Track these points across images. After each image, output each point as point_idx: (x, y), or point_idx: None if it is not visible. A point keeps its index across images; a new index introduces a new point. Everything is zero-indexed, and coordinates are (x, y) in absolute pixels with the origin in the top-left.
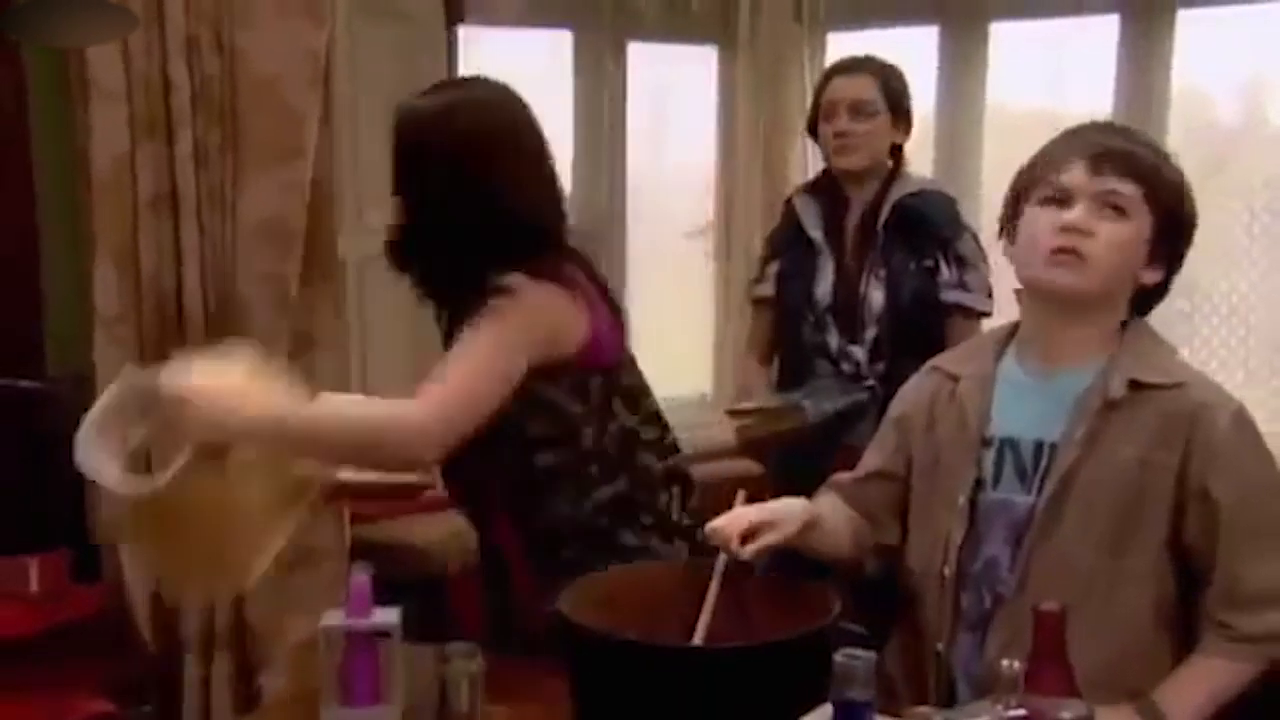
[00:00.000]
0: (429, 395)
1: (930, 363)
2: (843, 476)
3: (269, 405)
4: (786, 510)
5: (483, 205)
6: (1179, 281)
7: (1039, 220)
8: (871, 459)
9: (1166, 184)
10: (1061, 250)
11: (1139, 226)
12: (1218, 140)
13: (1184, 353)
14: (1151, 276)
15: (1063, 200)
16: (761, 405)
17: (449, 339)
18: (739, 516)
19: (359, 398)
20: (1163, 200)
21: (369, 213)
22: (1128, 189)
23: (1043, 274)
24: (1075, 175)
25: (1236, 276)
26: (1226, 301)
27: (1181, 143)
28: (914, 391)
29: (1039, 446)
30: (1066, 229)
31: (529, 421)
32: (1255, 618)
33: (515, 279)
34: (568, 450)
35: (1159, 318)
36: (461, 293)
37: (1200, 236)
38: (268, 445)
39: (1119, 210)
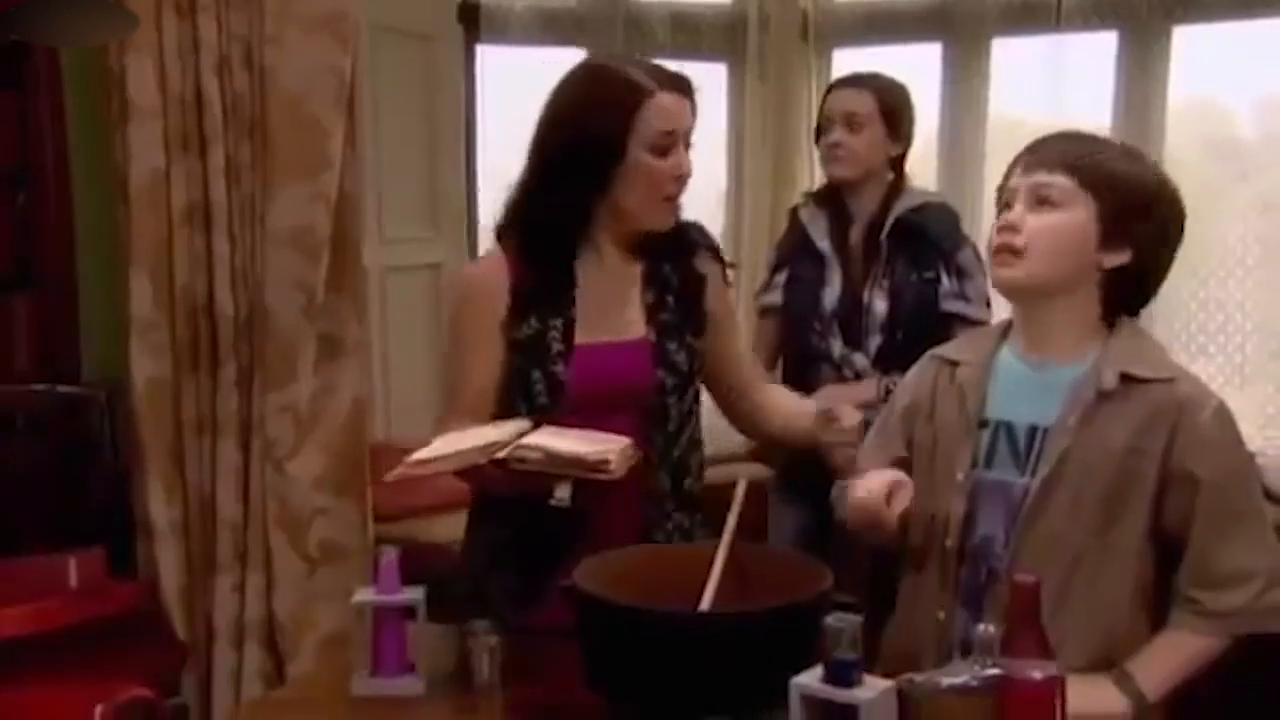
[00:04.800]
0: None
1: (930, 352)
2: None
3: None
4: (900, 474)
5: None
6: (1193, 290)
7: (996, 226)
8: (881, 447)
9: (1106, 172)
10: (1001, 248)
11: (1074, 213)
12: (1228, 155)
13: (1189, 358)
14: (1113, 260)
15: (1009, 203)
16: None
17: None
18: (879, 485)
19: (785, 397)
20: (1102, 186)
21: (390, 225)
22: (1058, 179)
23: (992, 274)
24: (1014, 177)
25: (1233, 285)
26: (1223, 309)
27: (1188, 156)
28: (916, 379)
29: (1033, 431)
30: (1002, 228)
31: None
32: (1222, 595)
33: None
34: None
35: (1171, 328)
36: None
37: (1208, 246)
38: None
39: (1050, 202)
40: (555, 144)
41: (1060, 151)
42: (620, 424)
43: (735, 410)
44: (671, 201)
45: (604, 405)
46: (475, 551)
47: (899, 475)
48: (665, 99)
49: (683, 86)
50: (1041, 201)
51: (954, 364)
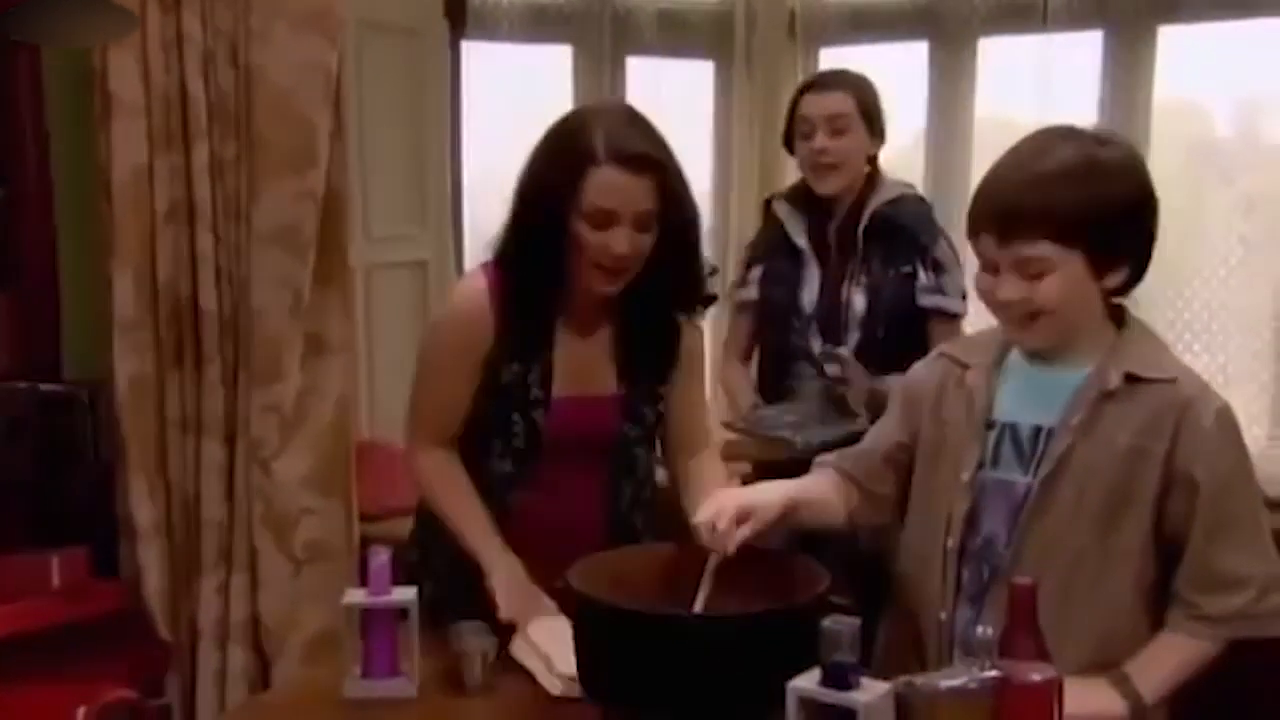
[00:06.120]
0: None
1: (939, 349)
2: (842, 451)
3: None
4: (764, 498)
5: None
6: (1178, 289)
7: (985, 289)
8: (879, 430)
9: (1078, 217)
10: (1018, 320)
11: (1067, 270)
12: (1211, 155)
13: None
14: (1114, 280)
15: (990, 267)
16: (752, 428)
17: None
18: (720, 512)
19: (704, 475)
20: (1078, 235)
21: (375, 222)
22: (1037, 250)
23: (1014, 337)
24: (989, 246)
25: (1217, 285)
26: (1207, 308)
27: (1171, 156)
28: (924, 373)
29: (1037, 431)
30: (1001, 304)
31: None
32: (1219, 599)
33: None
34: None
35: (1155, 327)
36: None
37: (1192, 246)
38: None
39: (1040, 274)
40: (518, 195)
41: (1033, 212)
42: (589, 471)
43: (665, 459)
44: (605, 271)
45: (573, 453)
46: (435, 562)
47: (750, 501)
48: (609, 174)
49: (638, 165)
50: (1033, 275)
51: (964, 366)
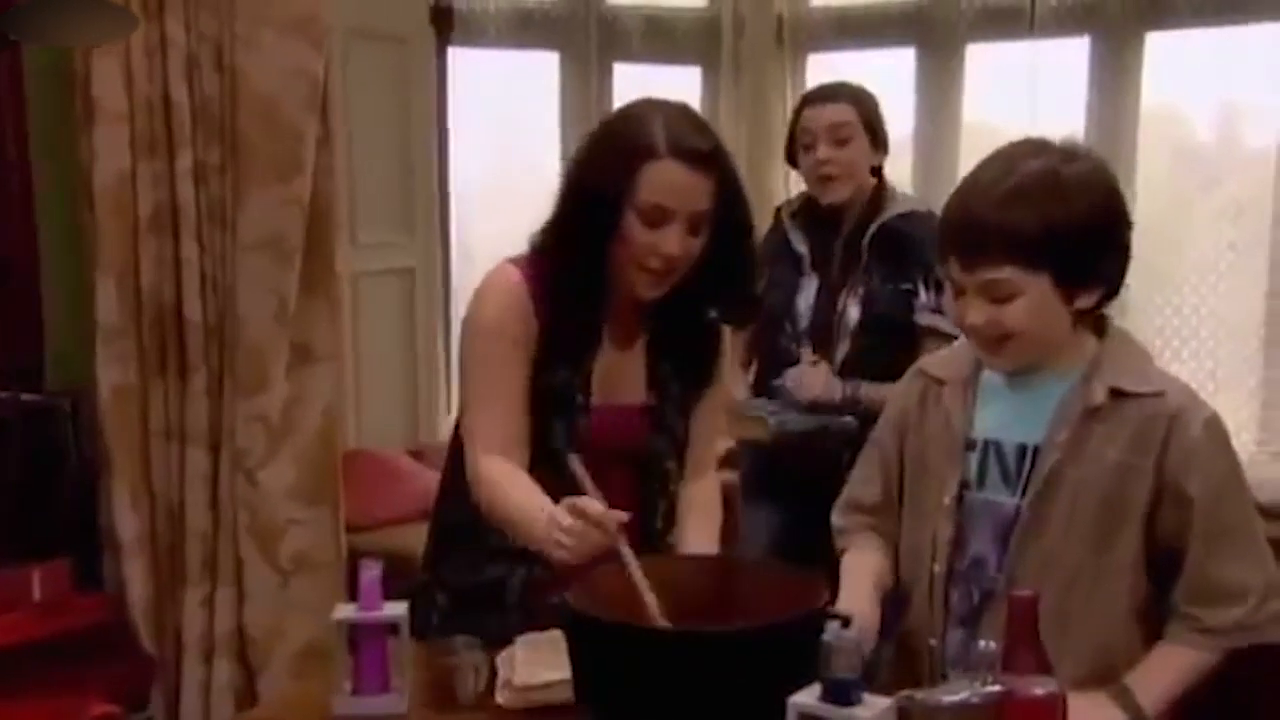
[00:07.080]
0: None
1: (916, 366)
2: (857, 503)
3: None
4: (867, 619)
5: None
6: (1167, 296)
7: (958, 313)
8: (875, 466)
9: (1045, 240)
10: (988, 343)
11: (1034, 293)
12: (1195, 161)
13: (1162, 365)
14: (1086, 301)
15: (958, 291)
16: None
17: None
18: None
19: (698, 511)
20: (1043, 252)
21: (362, 229)
22: (1002, 274)
23: (986, 359)
24: (955, 270)
25: (1206, 291)
26: (1196, 314)
27: (1157, 162)
28: (903, 395)
29: (1022, 450)
30: (971, 329)
31: None
32: (1218, 611)
33: None
34: None
35: (1144, 334)
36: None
37: (1181, 252)
38: None
39: (1007, 297)
40: (567, 185)
41: (995, 236)
42: (619, 484)
43: None
44: (651, 273)
45: (604, 464)
46: (450, 578)
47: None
48: (668, 169)
49: (699, 162)
50: (999, 299)
51: (939, 382)
